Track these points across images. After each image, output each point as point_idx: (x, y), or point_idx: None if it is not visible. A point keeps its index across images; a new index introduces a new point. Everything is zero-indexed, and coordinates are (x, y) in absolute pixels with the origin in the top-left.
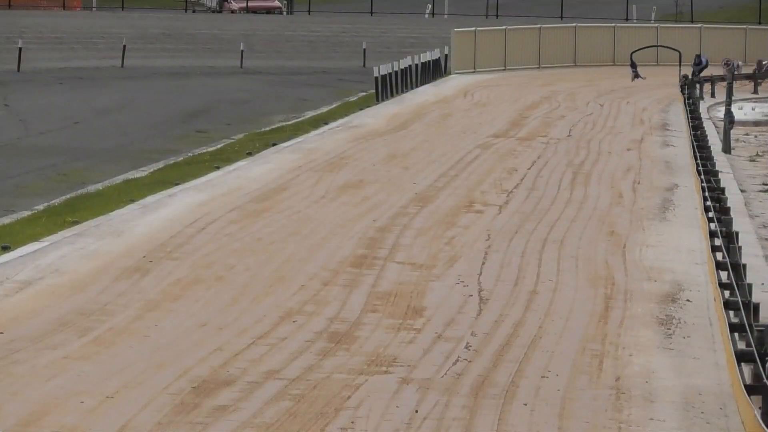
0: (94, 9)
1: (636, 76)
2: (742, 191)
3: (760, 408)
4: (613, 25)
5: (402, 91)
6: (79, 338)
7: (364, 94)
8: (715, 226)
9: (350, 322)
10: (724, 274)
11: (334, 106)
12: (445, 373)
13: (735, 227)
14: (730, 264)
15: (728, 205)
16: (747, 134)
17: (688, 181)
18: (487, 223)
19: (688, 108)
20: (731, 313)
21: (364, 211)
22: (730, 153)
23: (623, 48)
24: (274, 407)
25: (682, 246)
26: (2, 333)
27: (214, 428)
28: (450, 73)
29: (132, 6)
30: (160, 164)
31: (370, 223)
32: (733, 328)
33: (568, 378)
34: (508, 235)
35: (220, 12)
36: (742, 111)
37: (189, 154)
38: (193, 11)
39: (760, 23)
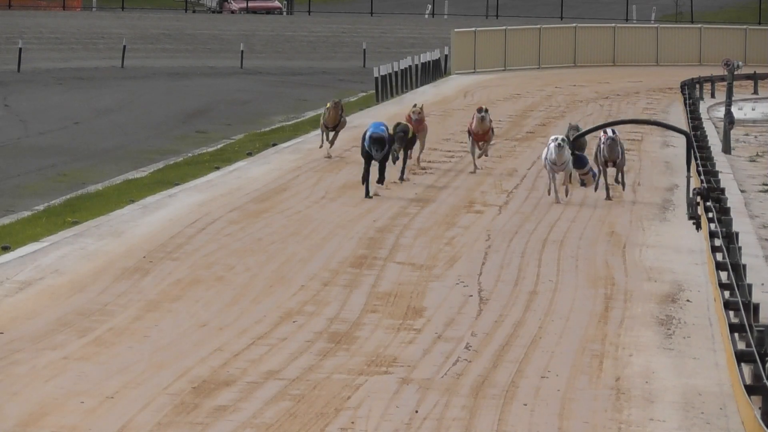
0: (94, 9)
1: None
2: (742, 191)
3: (760, 408)
4: (613, 25)
5: (402, 92)
6: (79, 339)
7: (364, 94)
8: (715, 227)
9: (350, 323)
10: (724, 275)
11: None
12: (445, 374)
13: (735, 227)
14: (730, 264)
15: (728, 205)
16: (747, 134)
17: None
18: (487, 223)
19: (688, 108)
20: (731, 313)
21: (364, 211)
22: (730, 153)
23: (623, 48)
24: (274, 407)
25: (682, 246)
26: (2, 333)
27: (214, 428)
28: (450, 74)
29: (132, 6)
30: (160, 164)
31: (370, 223)
32: (733, 328)
33: (568, 378)
34: (508, 236)
35: (220, 12)
36: (742, 111)
37: (189, 155)
38: (193, 11)
39: (760, 23)
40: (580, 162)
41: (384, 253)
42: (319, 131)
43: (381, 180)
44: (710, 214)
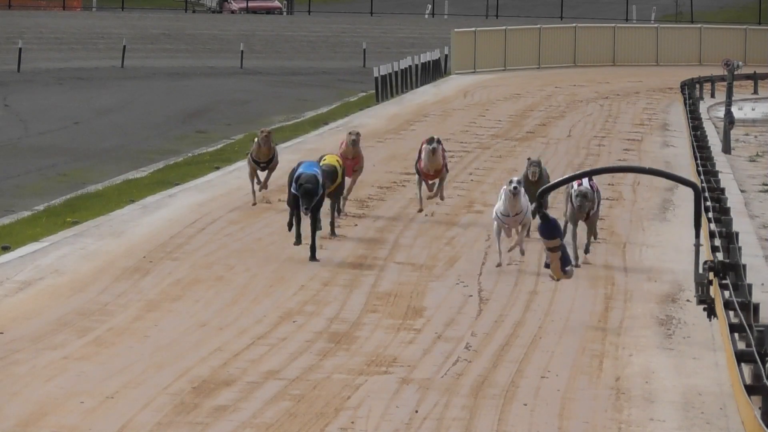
0: (94, 9)
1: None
2: (742, 191)
3: (760, 408)
4: (613, 25)
5: (402, 92)
6: (79, 338)
7: (364, 94)
8: (715, 227)
9: (350, 323)
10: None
11: (334, 106)
12: (445, 373)
13: (735, 227)
14: (730, 264)
15: (728, 205)
16: (747, 134)
17: None
18: (487, 224)
19: (688, 108)
20: (731, 313)
21: (365, 210)
22: (730, 153)
23: (623, 48)
24: (274, 407)
25: (682, 246)
26: (2, 333)
27: (214, 428)
28: (450, 74)
29: (132, 6)
30: (160, 164)
31: (370, 223)
32: (733, 328)
33: (568, 378)
34: None
35: (220, 12)
36: (742, 111)
37: (189, 155)
38: (193, 11)
39: (760, 23)
40: (549, 231)
41: (384, 253)
42: (244, 168)
43: (313, 233)
44: (710, 214)
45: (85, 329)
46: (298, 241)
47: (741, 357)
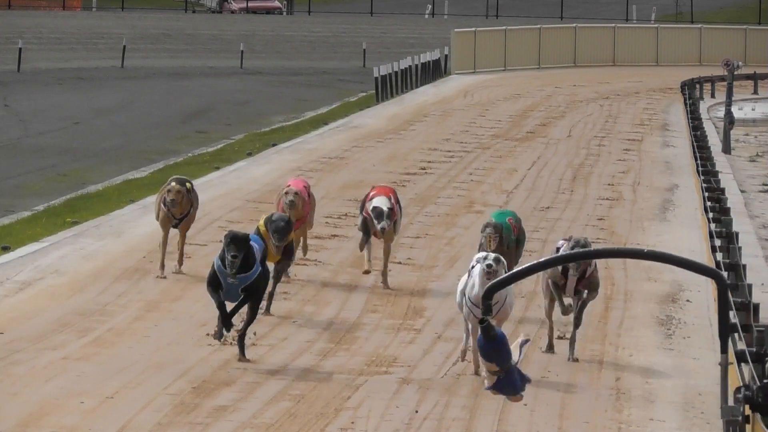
0: (94, 9)
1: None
2: (742, 192)
3: None
4: (613, 25)
5: (402, 92)
6: (79, 339)
7: (364, 94)
8: (715, 227)
9: (350, 323)
10: (723, 275)
11: (334, 106)
12: (445, 374)
13: (735, 228)
14: (730, 264)
15: (728, 205)
16: (747, 134)
17: (688, 182)
18: None
19: (688, 108)
20: (731, 313)
21: None
22: (730, 153)
23: (623, 48)
24: (274, 407)
25: (682, 246)
26: (2, 333)
27: (214, 428)
28: (450, 74)
29: (132, 6)
30: (160, 164)
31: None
32: (733, 328)
33: (568, 378)
34: None
35: (220, 12)
36: (742, 111)
37: (189, 155)
38: (193, 11)
39: (760, 23)
40: (489, 351)
41: None
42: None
43: (248, 322)
44: (710, 215)
45: (85, 329)
46: (221, 334)
47: (741, 357)
